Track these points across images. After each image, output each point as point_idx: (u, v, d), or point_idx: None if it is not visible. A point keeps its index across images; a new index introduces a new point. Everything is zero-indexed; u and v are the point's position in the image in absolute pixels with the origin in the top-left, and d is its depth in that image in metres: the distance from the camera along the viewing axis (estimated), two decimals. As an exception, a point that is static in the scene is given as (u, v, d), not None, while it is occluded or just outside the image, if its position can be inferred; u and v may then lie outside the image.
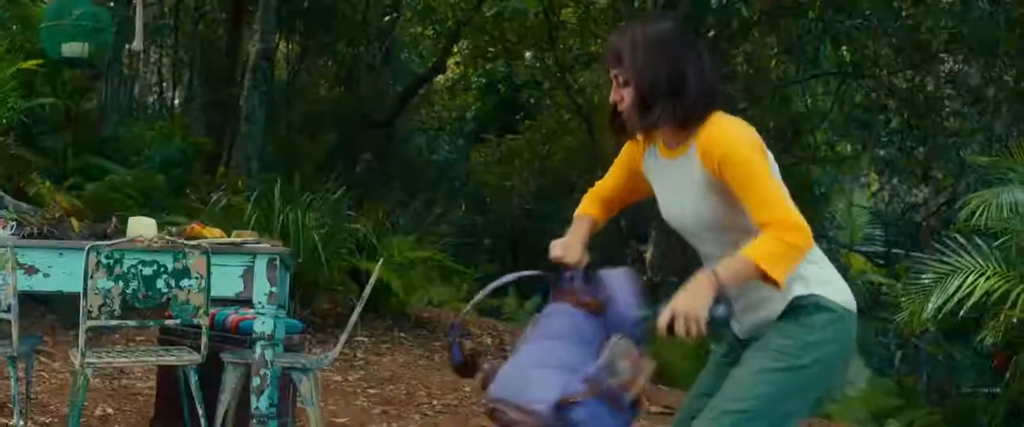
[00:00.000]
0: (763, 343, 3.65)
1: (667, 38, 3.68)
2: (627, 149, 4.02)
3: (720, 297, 3.45)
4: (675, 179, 3.75)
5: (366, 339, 11.49)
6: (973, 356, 13.29)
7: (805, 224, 3.49)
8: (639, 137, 3.87)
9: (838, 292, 3.69)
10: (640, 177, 3.99)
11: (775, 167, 3.65)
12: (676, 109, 3.62)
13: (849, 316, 3.67)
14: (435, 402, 9.29)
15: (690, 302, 3.43)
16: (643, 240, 18.31)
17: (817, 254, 3.72)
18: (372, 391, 9.39)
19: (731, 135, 3.60)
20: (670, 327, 3.43)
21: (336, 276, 11.70)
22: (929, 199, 21.30)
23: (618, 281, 3.75)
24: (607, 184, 4.16)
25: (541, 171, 21.00)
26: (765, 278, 3.44)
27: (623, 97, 3.71)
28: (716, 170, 3.57)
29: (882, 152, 19.02)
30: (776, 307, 3.65)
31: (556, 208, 21.95)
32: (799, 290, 3.62)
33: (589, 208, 4.17)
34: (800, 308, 3.63)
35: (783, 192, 3.54)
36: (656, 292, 17.01)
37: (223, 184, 13.92)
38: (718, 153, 3.56)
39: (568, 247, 3.91)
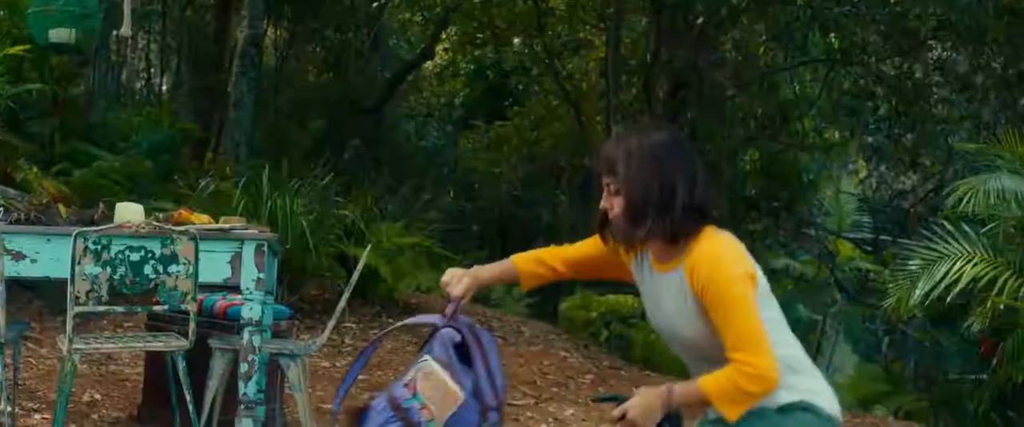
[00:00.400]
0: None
1: (662, 150, 3.65)
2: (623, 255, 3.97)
3: (671, 414, 3.55)
4: (666, 294, 3.72)
5: (354, 325, 11.49)
6: (960, 342, 13.33)
7: (772, 372, 3.49)
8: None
9: (827, 402, 3.68)
10: (619, 268, 3.95)
11: (764, 287, 3.64)
12: (666, 224, 3.60)
13: (835, 424, 3.67)
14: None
15: (640, 413, 3.53)
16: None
17: (805, 364, 3.72)
18: (361, 377, 9.38)
19: (719, 259, 3.57)
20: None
21: (324, 262, 11.69)
22: (917, 186, 21.31)
23: (486, 340, 3.71)
24: (573, 251, 4.08)
25: (529, 157, 20.99)
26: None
27: (613, 205, 3.68)
28: (700, 293, 3.56)
29: (870, 139, 19.01)
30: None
31: (544, 194, 21.99)
32: (786, 398, 3.61)
33: (524, 260, 4.10)
34: (788, 408, 3.62)
35: (759, 331, 3.52)
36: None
37: (211, 170, 13.90)
38: (703, 276, 3.55)
39: (458, 276, 3.91)
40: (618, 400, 3.65)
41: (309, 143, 19.02)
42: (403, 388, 3.52)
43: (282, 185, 11.50)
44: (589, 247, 4.01)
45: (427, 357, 3.55)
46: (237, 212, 10.26)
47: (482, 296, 17.54)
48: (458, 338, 3.60)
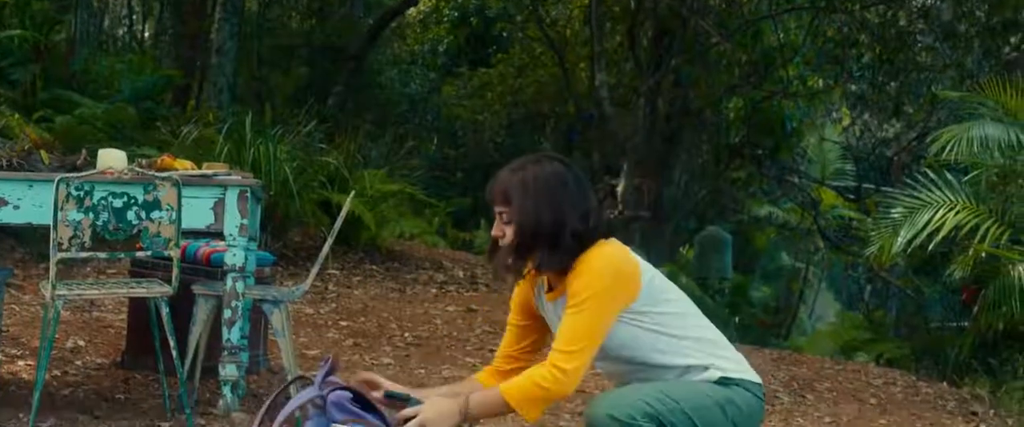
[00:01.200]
0: None
1: (555, 181, 3.69)
2: (517, 291, 4.01)
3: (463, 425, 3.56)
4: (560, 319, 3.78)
5: (338, 272, 11.50)
6: (941, 290, 13.39)
7: (575, 377, 3.55)
8: (526, 274, 3.83)
9: (752, 375, 3.79)
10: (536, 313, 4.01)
11: (649, 278, 3.71)
12: (550, 258, 3.67)
13: (751, 386, 3.75)
14: (406, 334, 9.32)
15: (434, 420, 3.50)
16: (615, 174, 18.35)
17: (725, 343, 3.83)
18: (343, 323, 9.41)
19: (588, 265, 3.63)
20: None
21: (307, 209, 11.70)
22: (900, 135, 21.35)
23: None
24: (505, 342, 4.08)
25: (513, 104, 20.97)
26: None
27: (505, 234, 3.73)
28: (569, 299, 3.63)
29: (854, 87, 19.02)
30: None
31: (528, 141, 21.97)
32: (717, 374, 3.70)
33: (485, 374, 4.06)
34: (724, 381, 3.70)
35: (589, 336, 3.58)
36: (628, 226, 17.07)
37: (194, 117, 13.85)
38: (574, 283, 3.62)
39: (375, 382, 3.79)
40: (409, 402, 3.63)
41: (292, 90, 18.94)
42: None
43: (265, 132, 11.47)
44: (513, 321, 4.03)
45: (339, 424, 3.44)
46: (220, 159, 10.23)
47: (466, 244, 17.58)
48: (349, 394, 3.49)
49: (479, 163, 21.64)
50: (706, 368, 3.68)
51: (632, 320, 3.65)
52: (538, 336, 4.02)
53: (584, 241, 3.66)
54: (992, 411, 9.06)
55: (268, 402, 3.63)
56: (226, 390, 5.95)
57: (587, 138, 20.58)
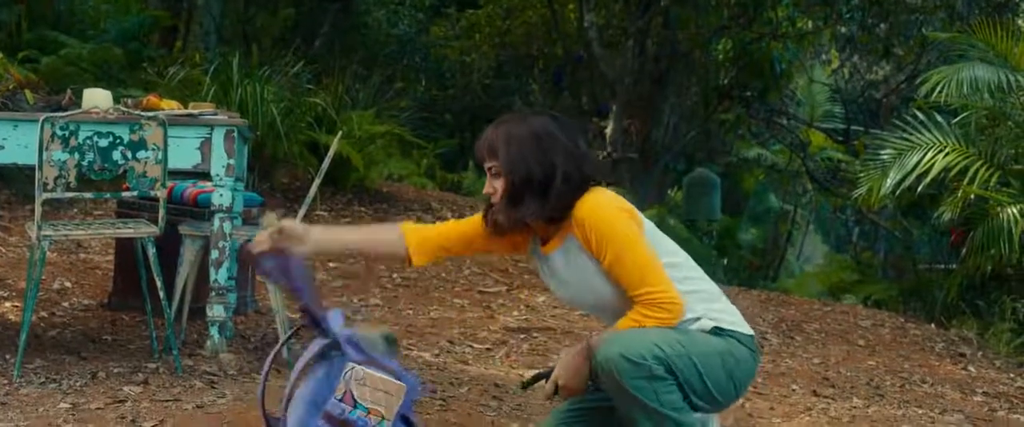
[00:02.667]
0: None
1: (541, 131, 3.71)
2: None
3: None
4: (563, 269, 3.81)
5: (326, 213, 11.47)
6: (929, 232, 13.41)
7: (676, 296, 3.63)
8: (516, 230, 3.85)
9: (745, 327, 3.81)
10: (505, 247, 4.01)
11: (651, 229, 3.76)
12: (543, 206, 3.68)
13: (744, 338, 3.77)
14: (395, 275, 9.31)
15: (570, 378, 3.66)
16: (603, 115, 18.30)
17: (717, 294, 3.83)
18: (332, 265, 9.39)
19: (597, 206, 3.67)
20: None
21: (295, 150, 11.64)
22: (889, 77, 21.30)
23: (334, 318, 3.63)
24: (447, 229, 4.10)
25: (501, 45, 20.85)
26: None
27: (496, 189, 3.75)
28: (590, 244, 3.65)
29: (843, 29, 18.94)
30: None
31: (516, 83, 21.89)
32: (710, 324, 3.72)
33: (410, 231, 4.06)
34: (717, 331, 3.73)
35: (652, 262, 3.64)
36: (616, 168, 17.05)
37: (181, 58, 13.77)
38: (588, 225, 3.64)
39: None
40: (545, 377, 3.77)
41: (279, 31, 18.80)
42: (338, 402, 3.49)
43: (252, 73, 11.40)
44: (475, 230, 4.02)
45: (351, 365, 3.50)
46: (207, 100, 10.17)
47: (454, 185, 17.56)
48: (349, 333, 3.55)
49: (467, 105, 21.57)
50: (698, 318, 3.69)
51: None
52: (467, 253, 4.14)
53: (576, 188, 3.67)
54: (980, 353, 9.09)
55: (271, 358, 3.72)
56: (213, 331, 5.95)
57: (576, 79, 20.51)
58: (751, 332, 3.80)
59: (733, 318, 3.77)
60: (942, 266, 12.89)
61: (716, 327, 3.69)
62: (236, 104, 10.71)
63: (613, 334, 3.62)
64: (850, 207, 19.50)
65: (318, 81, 13.42)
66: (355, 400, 3.48)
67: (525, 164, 3.66)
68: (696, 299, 3.71)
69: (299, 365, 3.54)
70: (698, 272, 3.81)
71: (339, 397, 3.49)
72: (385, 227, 4.14)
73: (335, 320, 3.57)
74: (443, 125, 21.04)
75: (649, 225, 3.76)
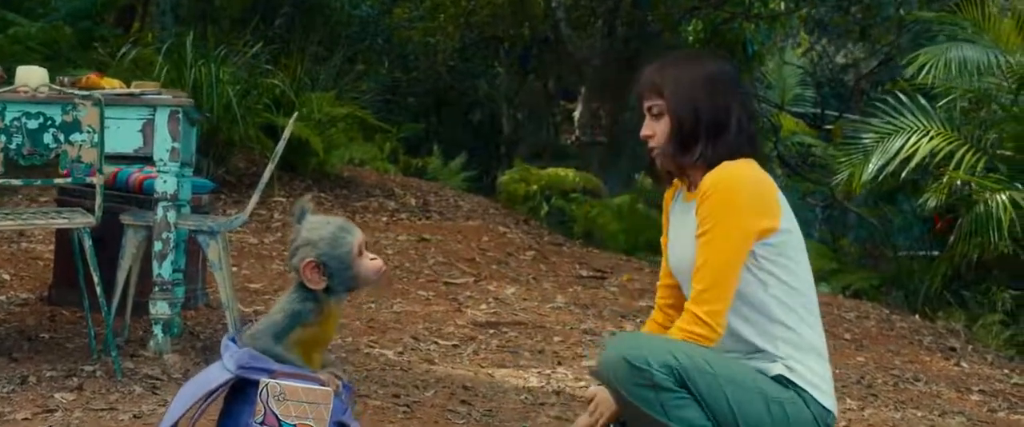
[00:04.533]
0: None
1: (719, 74, 3.37)
2: (666, 206, 3.65)
3: None
4: (684, 225, 3.43)
5: (284, 199, 11.00)
6: (909, 219, 13.10)
7: (719, 322, 3.20)
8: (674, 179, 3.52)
9: (822, 395, 3.29)
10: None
11: (795, 242, 3.34)
12: (716, 149, 3.30)
13: (812, 403, 3.27)
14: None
15: (601, 402, 3.33)
16: (572, 99, 17.95)
17: (812, 346, 3.33)
18: (289, 254, 8.93)
19: (730, 172, 3.25)
20: None
21: (252, 133, 11.18)
22: (859, 61, 21.04)
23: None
24: (659, 295, 3.66)
25: (467, 27, 20.42)
26: None
27: (655, 132, 3.38)
28: (699, 200, 3.27)
29: (815, 10, 18.61)
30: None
31: (481, 65, 21.49)
32: (780, 370, 3.25)
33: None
34: (781, 379, 3.25)
35: (727, 272, 3.20)
36: (584, 152, 16.70)
37: (134, 37, 13.31)
38: (707, 183, 3.25)
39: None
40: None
41: (238, 11, 18.34)
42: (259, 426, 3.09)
43: (208, 53, 10.93)
44: (664, 281, 3.63)
45: (264, 382, 3.08)
46: (159, 80, 9.69)
47: (418, 170, 17.14)
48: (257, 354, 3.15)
49: (431, 88, 21.20)
50: (774, 361, 3.24)
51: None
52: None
53: (747, 139, 3.34)
54: (970, 346, 8.75)
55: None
56: (157, 329, 5.50)
57: (543, 61, 20.15)
58: (832, 407, 3.29)
59: (815, 379, 3.28)
60: (922, 254, 12.56)
61: (784, 376, 3.23)
62: (190, 85, 10.26)
63: (626, 334, 3.19)
64: (820, 193, 19.14)
65: (276, 62, 12.98)
66: (279, 419, 3.08)
67: (696, 106, 3.31)
68: (785, 341, 3.25)
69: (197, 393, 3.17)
70: (814, 318, 3.34)
71: (260, 420, 3.09)
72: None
73: (228, 352, 3.20)
74: (407, 108, 20.64)
75: (792, 225, 3.33)
